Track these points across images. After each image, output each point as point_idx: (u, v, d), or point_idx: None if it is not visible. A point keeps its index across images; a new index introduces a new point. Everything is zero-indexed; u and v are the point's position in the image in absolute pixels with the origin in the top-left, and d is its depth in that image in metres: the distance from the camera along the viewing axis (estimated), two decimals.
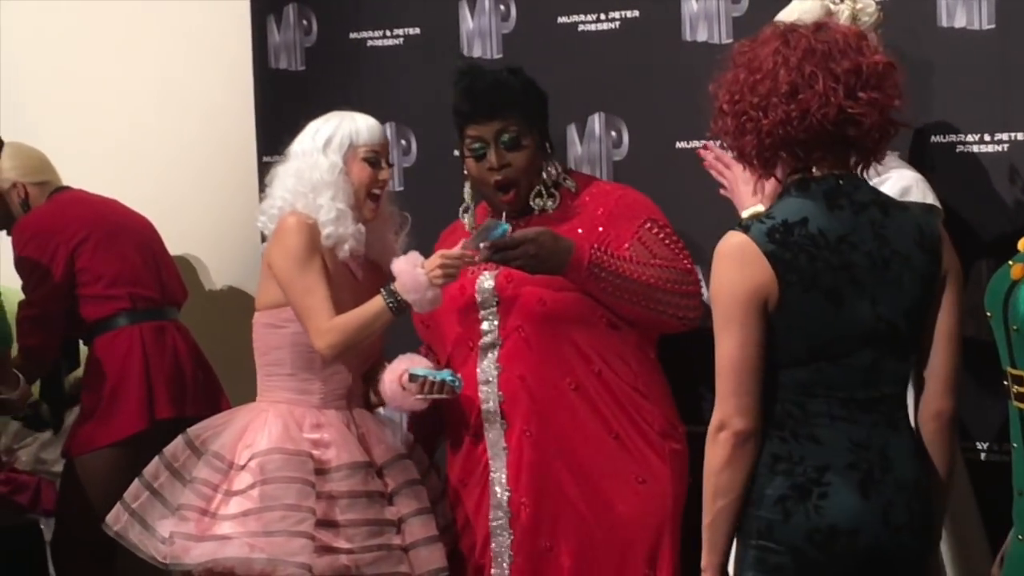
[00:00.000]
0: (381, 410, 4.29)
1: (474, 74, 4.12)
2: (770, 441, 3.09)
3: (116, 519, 4.11)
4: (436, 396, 4.04)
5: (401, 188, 4.89)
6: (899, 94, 3.08)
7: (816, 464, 3.06)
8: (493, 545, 4.09)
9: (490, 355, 4.08)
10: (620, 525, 4.00)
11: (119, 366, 5.07)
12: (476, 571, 4.15)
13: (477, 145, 4.07)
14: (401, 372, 4.09)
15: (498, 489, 4.09)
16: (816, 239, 3.06)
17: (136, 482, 4.13)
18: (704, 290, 3.98)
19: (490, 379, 4.07)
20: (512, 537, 4.06)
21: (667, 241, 4.06)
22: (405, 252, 4.11)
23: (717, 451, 3.07)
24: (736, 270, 3.05)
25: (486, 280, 4.10)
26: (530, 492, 4.05)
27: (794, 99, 3.02)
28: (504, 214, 4.10)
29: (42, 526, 5.43)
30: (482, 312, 4.08)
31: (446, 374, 4.03)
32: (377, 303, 4.01)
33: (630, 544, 4.02)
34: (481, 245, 3.91)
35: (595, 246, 3.95)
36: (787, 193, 3.13)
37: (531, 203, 4.10)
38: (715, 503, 3.09)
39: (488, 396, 4.07)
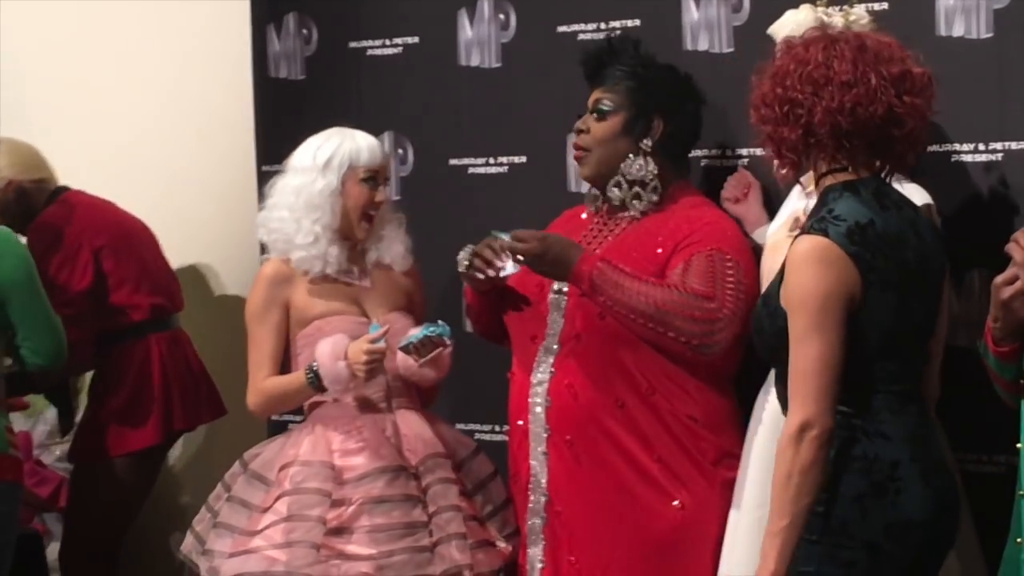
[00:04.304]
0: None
1: (608, 40, 4.12)
2: (840, 440, 3.14)
3: (187, 545, 4.19)
4: (433, 353, 4.05)
5: (397, 197, 4.89)
6: (932, 105, 3.21)
7: (889, 460, 3.14)
8: (528, 548, 4.06)
9: (547, 358, 4.01)
10: (653, 550, 3.90)
11: (137, 377, 5.08)
12: (517, 569, 4.12)
13: (585, 112, 4.07)
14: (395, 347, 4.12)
15: (537, 493, 4.04)
16: (884, 238, 3.14)
17: (203, 508, 4.21)
18: (724, 317, 3.87)
19: (542, 381, 4.00)
20: (544, 543, 4.03)
21: (713, 267, 3.88)
22: (408, 252, 4.24)
23: (804, 451, 3.08)
24: (823, 273, 3.09)
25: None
26: (565, 501, 3.99)
27: (849, 90, 3.10)
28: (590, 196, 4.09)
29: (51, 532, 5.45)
30: (551, 313, 4.01)
31: (422, 331, 4.05)
32: (300, 378, 4.12)
33: (660, 570, 3.92)
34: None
35: (604, 261, 3.88)
36: (836, 194, 3.19)
37: (607, 192, 4.02)
38: (798, 503, 3.09)
39: (537, 398, 4.01)
